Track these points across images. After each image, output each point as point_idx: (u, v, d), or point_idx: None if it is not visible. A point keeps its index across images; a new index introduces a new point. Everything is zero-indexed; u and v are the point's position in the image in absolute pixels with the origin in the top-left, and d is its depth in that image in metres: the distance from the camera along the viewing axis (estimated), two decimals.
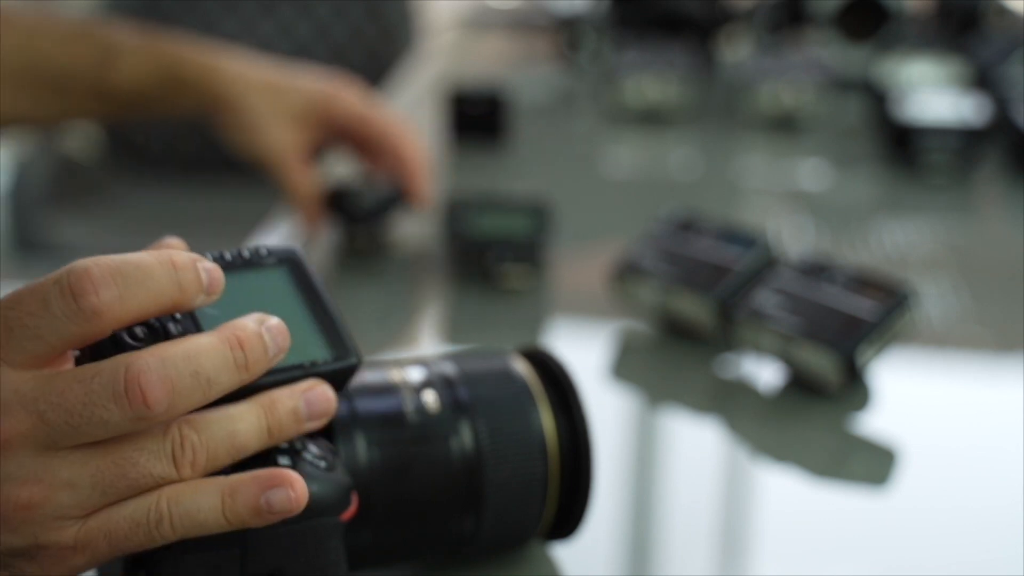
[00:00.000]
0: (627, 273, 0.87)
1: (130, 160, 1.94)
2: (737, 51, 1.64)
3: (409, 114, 1.37)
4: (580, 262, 1.01)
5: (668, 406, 0.82)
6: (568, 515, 0.58)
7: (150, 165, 1.92)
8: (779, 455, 0.74)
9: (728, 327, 0.81)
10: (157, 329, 0.47)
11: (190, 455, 0.46)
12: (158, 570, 0.48)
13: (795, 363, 0.77)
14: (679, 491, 0.71)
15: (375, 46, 1.89)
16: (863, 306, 0.76)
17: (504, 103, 1.30)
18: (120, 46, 1.02)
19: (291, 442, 0.50)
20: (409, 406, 0.55)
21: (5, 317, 0.45)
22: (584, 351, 0.87)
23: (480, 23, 1.94)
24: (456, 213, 0.97)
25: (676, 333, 0.86)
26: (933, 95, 1.28)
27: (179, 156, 1.89)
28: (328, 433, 0.53)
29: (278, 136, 1.01)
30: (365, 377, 0.56)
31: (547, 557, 0.61)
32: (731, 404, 0.80)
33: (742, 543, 0.67)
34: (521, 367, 0.58)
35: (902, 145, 1.23)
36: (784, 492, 0.70)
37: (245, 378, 0.47)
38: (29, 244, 1.86)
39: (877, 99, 1.34)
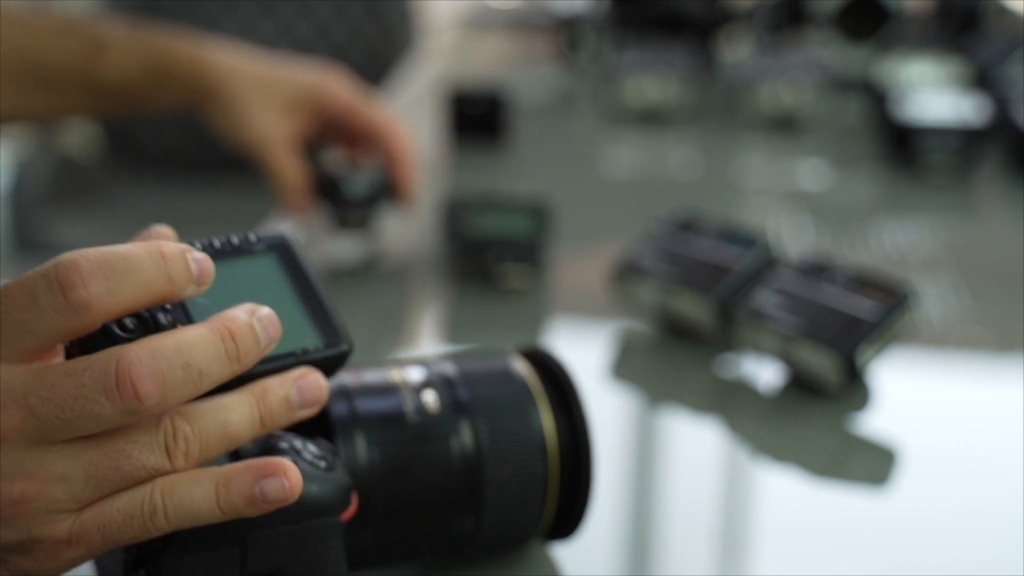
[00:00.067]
0: (627, 273, 0.87)
1: (130, 160, 1.93)
2: (737, 51, 1.64)
3: (409, 114, 1.37)
4: (580, 262, 1.01)
5: (668, 406, 0.82)
6: (568, 515, 0.58)
7: (150, 165, 1.92)
8: (779, 455, 0.74)
9: (728, 327, 0.81)
10: (147, 320, 0.47)
11: (183, 446, 0.46)
12: (158, 570, 0.48)
13: (795, 363, 0.77)
14: (679, 491, 0.71)
15: (375, 46, 1.89)
16: (863, 306, 0.76)
17: (504, 103, 1.30)
18: (109, 39, 1.02)
19: (291, 442, 0.50)
20: (409, 406, 0.55)
21: None
22: (584, 351, 0.87)
23: (480, 23, 1.94)
24: (456, 213, 0.97)
25: (676, 333, 0.86)
26: (933, 95, 1.28)
27: (179, 156, 1.89)
28: (328, 433, 0.53)
29: (265, 123, 1.00)
30: (365, 377, 0.56)
31: (547, 557, 0.61)
32: (731, 404, 0.80)
33: (742, 543, 0.67)
34: (521, 367, 0.58)
35: (902, 145, 1.23)
36: (784, 492, 0.70)
37: (237, 369, 0.47)
38: (29, 244, 1.85)
39: (877, 99, 1.34)
